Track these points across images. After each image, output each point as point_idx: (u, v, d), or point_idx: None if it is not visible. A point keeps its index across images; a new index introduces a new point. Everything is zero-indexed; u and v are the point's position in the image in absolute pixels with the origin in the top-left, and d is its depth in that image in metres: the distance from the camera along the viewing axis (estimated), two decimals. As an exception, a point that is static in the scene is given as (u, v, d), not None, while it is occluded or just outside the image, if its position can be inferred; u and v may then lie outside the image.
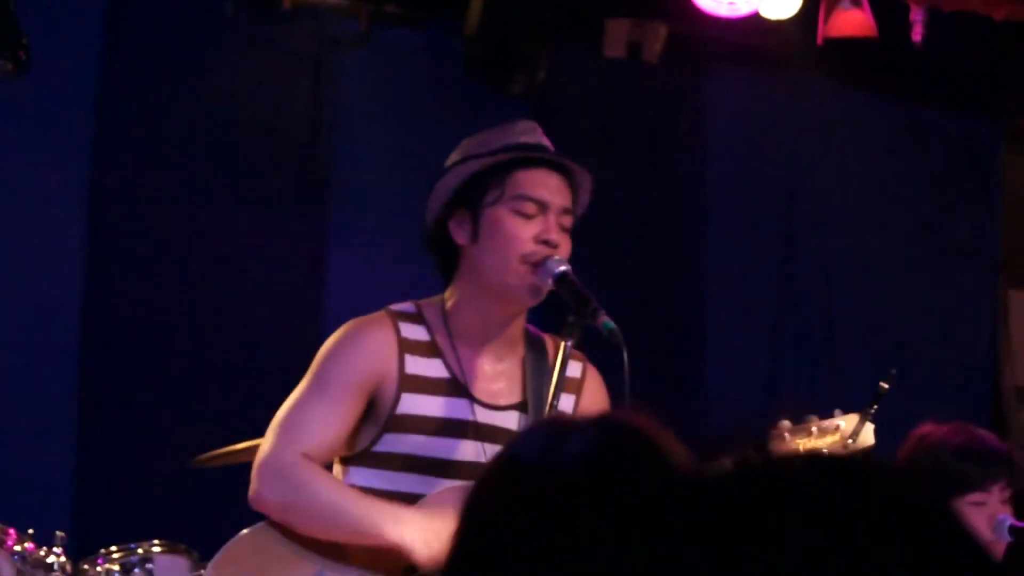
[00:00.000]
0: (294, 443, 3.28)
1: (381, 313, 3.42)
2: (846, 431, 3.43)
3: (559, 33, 5.84)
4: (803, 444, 3.39)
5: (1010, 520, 3.86)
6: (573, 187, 3.40)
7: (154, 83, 5.37)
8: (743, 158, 6.28)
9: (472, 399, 3.37)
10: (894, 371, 3.46)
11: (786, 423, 3.41)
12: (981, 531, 3.80)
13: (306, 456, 3.27)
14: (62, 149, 5.21)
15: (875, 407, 3.43)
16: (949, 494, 3.84)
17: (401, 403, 3.33)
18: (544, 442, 1.54)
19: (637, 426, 1.57)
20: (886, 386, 3.42)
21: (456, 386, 3.37)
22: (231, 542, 3.31)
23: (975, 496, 3.89)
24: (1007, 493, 3.93)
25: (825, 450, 3.40)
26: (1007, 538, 3.85)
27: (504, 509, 1.51)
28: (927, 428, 4.04)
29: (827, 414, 3.48)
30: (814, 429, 3.41)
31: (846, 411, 3.49)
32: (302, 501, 3.25)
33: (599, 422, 1.57)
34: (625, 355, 3.13)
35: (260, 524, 3.32)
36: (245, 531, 3.33)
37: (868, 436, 3.45)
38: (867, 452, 3.44)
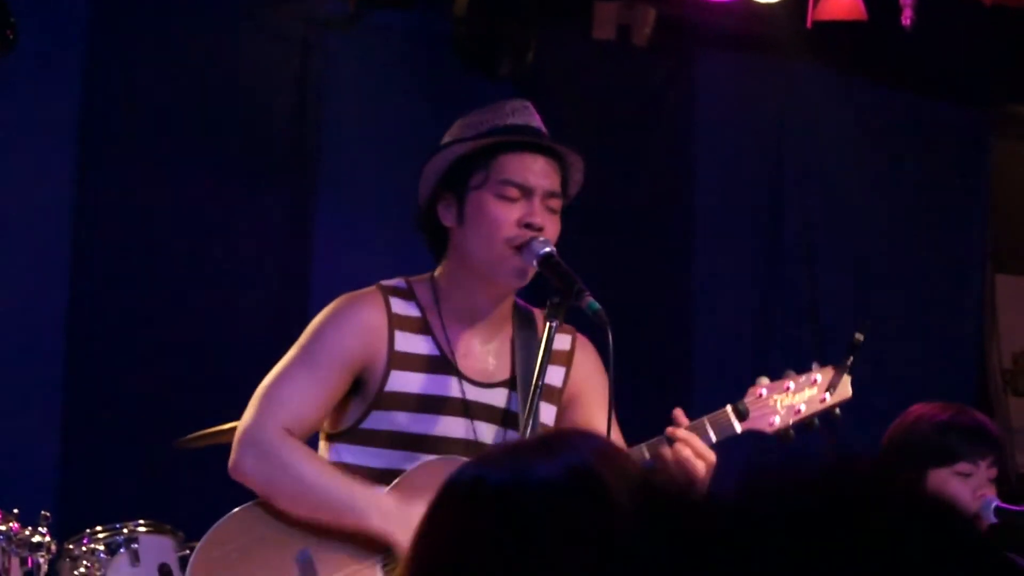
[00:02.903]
0: (276, 415, 3.26)
1: (372, 288, 3.40)
2: (823, 384, 3.43)
3: (548, 15, 5.83)
4: (782, 400, 3.39)
5: (996, 501, 3.87)
6: (563, 169, 3.38)
7: (140, 63, 5.35)
8: (731, 140, 6.27)
9: (461, 376, 3.37)
10: (868, 322, 3.46)
11: (764, 379, 3.39)
12: (966, 502, 3.81)
13: (288, 430, 3.26)
14: (48, 128, 5.19)
15: (851, 359, 3.43)
16: (934, 464, 3.86)
17: (390, 380, 3.32)
18: (512, 467, 1.52)
19: (600, 451, 1.55)
20: (861, 337, 3.41)
21: (445, 363, 3.36)
22: (219, 523, 3.27)
23: (963, 466, 3.89)
24: (993, 472, 3.93)
25: (803, 405, 3.40)
26: (992, 519, 3.86)
27: (473, 533, 1.49)
28: (916, 408, 4.05)
29: (804, 368, 3.46)
30: (791, 384, 3.40)
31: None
32: (286, 480, 3.23)
33: (565, 448, 1.55)
34: (610, 336, 3.11)
35: (250, 503, 3.30)
36: (235, 510, 3.29)
37: (845, 389, 3.45)
38: (843, 405, 3.44)
